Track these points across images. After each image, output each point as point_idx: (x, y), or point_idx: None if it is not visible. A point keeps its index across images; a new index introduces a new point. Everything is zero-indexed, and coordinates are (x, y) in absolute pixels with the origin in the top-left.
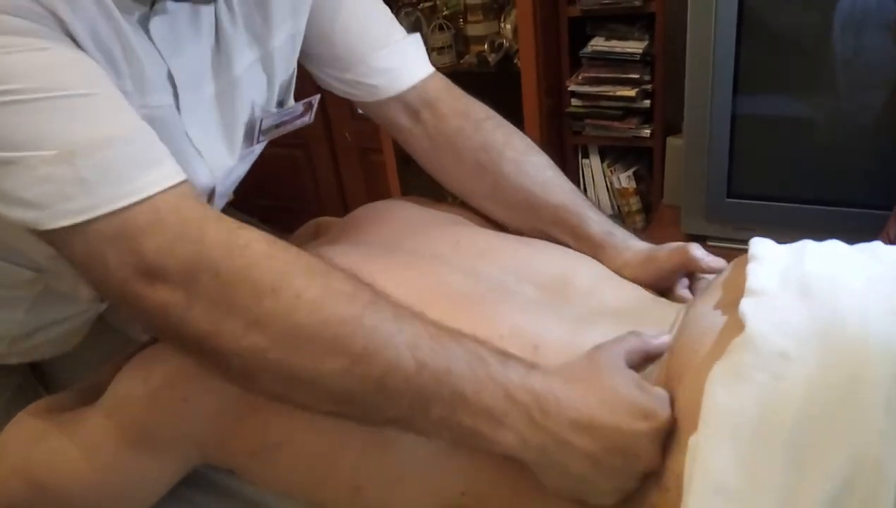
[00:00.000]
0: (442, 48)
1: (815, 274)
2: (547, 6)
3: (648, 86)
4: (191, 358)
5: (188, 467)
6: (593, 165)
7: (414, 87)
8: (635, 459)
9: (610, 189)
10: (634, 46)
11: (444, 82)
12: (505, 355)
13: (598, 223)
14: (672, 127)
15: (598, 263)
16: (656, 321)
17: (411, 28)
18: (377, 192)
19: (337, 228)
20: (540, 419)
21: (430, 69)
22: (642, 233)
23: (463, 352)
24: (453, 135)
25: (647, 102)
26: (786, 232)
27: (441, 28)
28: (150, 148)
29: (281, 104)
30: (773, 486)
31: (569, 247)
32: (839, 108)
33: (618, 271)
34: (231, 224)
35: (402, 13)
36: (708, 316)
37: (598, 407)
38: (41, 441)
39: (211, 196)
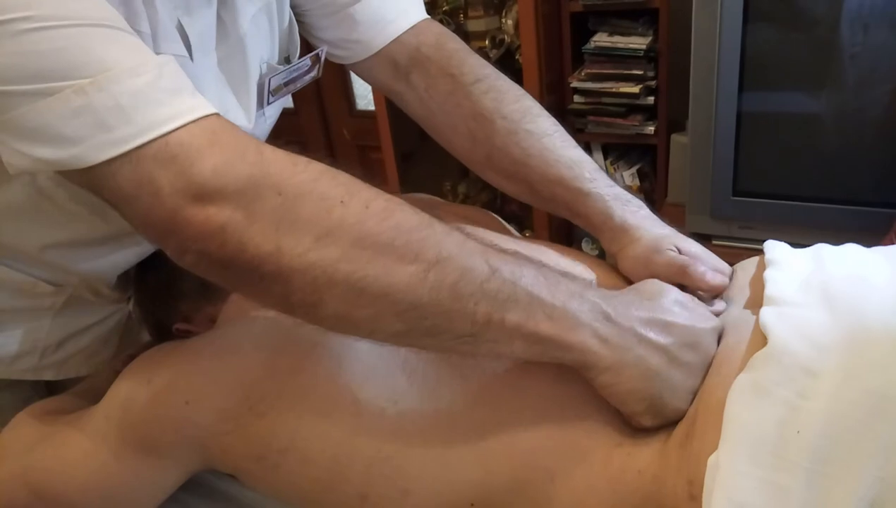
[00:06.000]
0: None
1: (838, 282)
2: (549, 1)
3: (652, 83)
4: (243, 290)
5: (190, 472)
6: (596, 163)
7: (401, 40)
8: (705, 355)
9: None
10: (638, 42)
11: (437, 35)
12: (565, 271)
13: (596, 201)
14: (676, 124)
15: (605, 266)
16: None
17: None
18: None
19: None
20: (614, 316)
21: (421, 16)
22: None
23: (527, 261)
24: (444, 102)
25: (650, 99)
26: (792, 230)
27: (441, 23)
28: (180, 75)
29: (287, 61)
30: (796, 507)
31: (575, 222)
32: (846, 105)
33: (613, 262)
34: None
35: None
36: (731, 318)
37: (664, 310)
38: (39, 446)
39: None
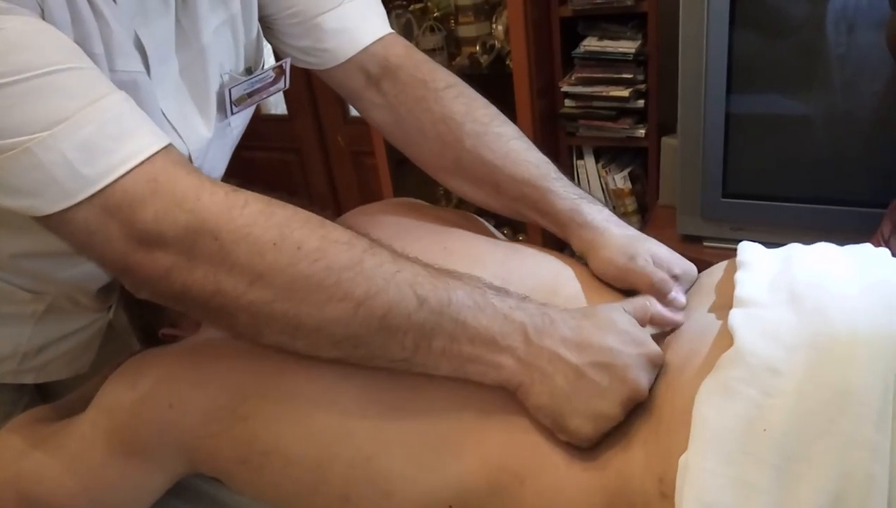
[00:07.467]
0: (433, 50)
1: (804, 282)
2: (538, 6)
3: (642, 86)
4: (198, 317)
5: (177, 476)
6: (588, 166)
7: (370, 50)
8: (621, 381)
9: (605, 190)
10: (627, 46)
11: (404, 47)
12: (502, 288)
13: (564, 198)
14: (666, 127)
15: (587, 270)
16: None
17: (402, 30)
18: (370, 195)
19: None
20: (535, 337)
21: (387, 30)
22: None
23: (461, 284)
24: (413, 106)
25: (640, 102)
26: (782, 231)
27: (432, 30)
28: (128, 115)
29: (249, 72)
30: (764, 503)
31: (539, 223)
32: (834, 106)
33: (584, 261)
34: (226, 186)
35: (393, 14)
36: (699, 321)
37: (592, 329)
38: (28, 454)
39: None
